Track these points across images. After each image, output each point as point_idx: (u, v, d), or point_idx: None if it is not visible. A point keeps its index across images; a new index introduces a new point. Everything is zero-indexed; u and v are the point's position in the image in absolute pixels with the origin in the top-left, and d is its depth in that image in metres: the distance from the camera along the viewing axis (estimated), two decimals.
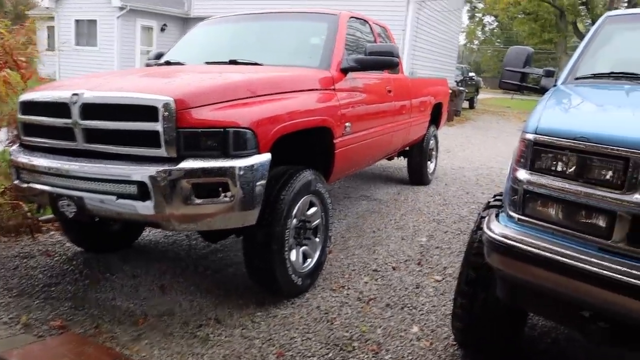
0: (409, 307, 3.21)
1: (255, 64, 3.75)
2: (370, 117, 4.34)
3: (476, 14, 38.08)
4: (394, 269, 3.80)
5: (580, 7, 19.62)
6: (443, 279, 3.68)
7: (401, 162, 7.06)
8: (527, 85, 3.31)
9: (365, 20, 4.78)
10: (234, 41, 4.47)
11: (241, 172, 2.63)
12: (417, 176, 6.58)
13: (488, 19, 40.19)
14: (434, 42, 15.60)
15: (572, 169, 1.86)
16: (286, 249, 3.01)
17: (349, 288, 3.42)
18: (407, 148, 6.21)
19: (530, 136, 1.96)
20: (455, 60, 19.02)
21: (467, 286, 2.41)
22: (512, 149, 7.74)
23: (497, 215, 2.20)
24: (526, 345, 2.80)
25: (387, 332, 2.88)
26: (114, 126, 2.71)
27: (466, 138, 12.25)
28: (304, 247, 3.28)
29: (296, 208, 3.09)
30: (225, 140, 2.65)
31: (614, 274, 1.75)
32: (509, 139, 12.49)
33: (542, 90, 3.16)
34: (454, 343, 2.78)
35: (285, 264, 3.02)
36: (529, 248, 1.92)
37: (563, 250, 1.85)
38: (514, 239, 1.96)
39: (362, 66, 3.88)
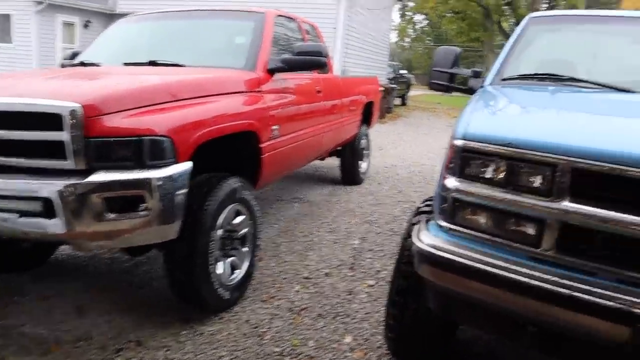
0: (341, 315, 3.12)
1: (177, 65, 3.53)
2: (300, 119, 4.22)
3: (407, 13, 38.90)
4: (326, 275, 3.70)
5: (504, 7, 20.46)
6: (376, 283, 3.62)
7: (334, 161, 7.00)
8: (456, 85, 3.30)
9: (293, 19, 4.66)
10: (155, 40, 4.22)
11: (158, 184, 2.43)
12: (350, 176, 6.53)
13: (418, 17, 41.20)
14: (366, 40, 15.70)
15: (501, 176, 1.81)
16: (211, 262, 2.83)
17: (280, 298, 3.29)
18: (339, 148, 6.15)
19: (459, 142, 1.90)
20: (387, 57, 19.28)
21: (398, 296, 2.34)
22: (443, 144, 7.91)
23: (427, 222, 2.14)
24: (460, 348, 2.78)
25: (319, 344, 2.78)
26: (16, 136, 2.44)
27: (398, 135, 12.41)
28: (231, 258, 3.11)
29: (221, 218, 2.92)
30: (140, 149, 2.44)
31: (543, 284, 1.72)
32: (440, 135, 12.77)
33: (470, 91, 3.15)
34: (388, 352, 2.71)
35: (210, 277, 2.84)
36: (459, 259, 1.86)
37: (493, 261, 1.81)
38: (443, 250, 1.90)
39: (290, 67, 3.75)
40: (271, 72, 3.71)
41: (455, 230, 1.93)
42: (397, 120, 16.07)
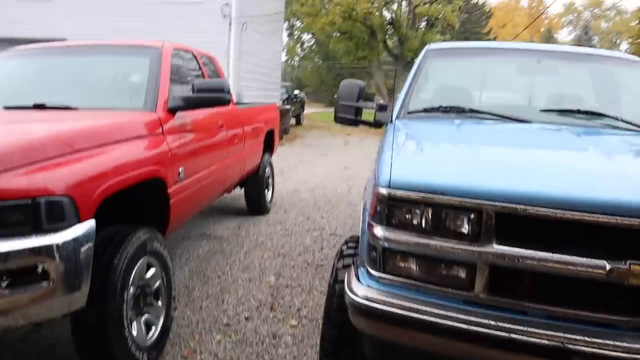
0: None
1: (68, 108, 3.24)
2: (204, 157, 4.06)
3: (294, 32, 39.60)
4: (246, 319, 3.56)
5: (387, 26, 21.53)
6: (299, 322, 3.54)
7: (237, 190, 6.84)
8: (362, 120, 3.35)
9: (190, 52, 4.49)
10: (40, 79, 3.85)
11: (60, 250, 2.18)
12: (256, 206, 6.42)
13: (306, 36, 42.11)
14: (259, 63, 15.72)
15: (429, 223, 1.83)
16: (125, 325, 2.60)
17: (201, 352, 3.09)
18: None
19: (383, 191, 1.90)
20: (280, 78, 19.43)
21: (331, 345, 2.28)
22: (342, 165, 8.11)
23: (356, 267, 2.12)
24: None
25: None
26: None
27: (297, 157, 12.47)
28: (145, 316, 2.88)
29: (132, 275, 2.70)
30: (36, 212, 2.17)
31: (480, 328, 1.74)
32: (337, 155, 13.03)
33: (376, 124, 3.21)
34: None
35: (126, 341, 2.60)
36: (395, 310, 1.85)
37: (429, 309, 1.81)
38: (378, 302, 1.88)
39: (191, 105, 3.60)
40: (172, 111, 3.53)
41: (386, 279, 1.92)
42: (295, 142, 16.17)
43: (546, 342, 1.69)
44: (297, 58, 49.89)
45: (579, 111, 2.85)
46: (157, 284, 3.00)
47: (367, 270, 2.00)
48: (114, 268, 2.56)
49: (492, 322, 1.74)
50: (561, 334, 1.69)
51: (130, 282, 2.67)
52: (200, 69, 4.55)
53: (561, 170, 1.95)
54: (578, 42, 44.44)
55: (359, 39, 21.86)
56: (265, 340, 3.26)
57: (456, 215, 1.79)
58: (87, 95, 3.48)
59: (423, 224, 1.84)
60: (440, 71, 3.32)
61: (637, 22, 36.24)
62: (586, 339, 1.67)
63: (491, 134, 2.58)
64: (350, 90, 3.30)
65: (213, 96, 3.55)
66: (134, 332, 2.70)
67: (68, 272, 2.22)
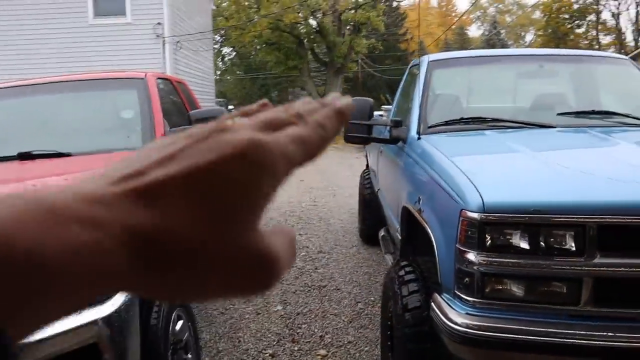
0: None
1: (60, 154, 2.93)
2: None
3: (214, 46, 39.08)
4: (272, 356, 3.38)
5: (315, 34, 21.68)
6: (328, 351, 3.40)
7: None
8: (377, 137, 3.28)
9: (167, 79, 4.24)
10: (19, 122, 3.45)
11: (108, 321, 1.95)
12: None
13: (226, 49, 41.63)
14: (195, 81, 15.30)
15: (530, 243, 1.78)
16: None
17: None
18: None
19: (475, 215, 1.83)
20: (214, 95, 19.05)
21: None
22: (296, 178, 7.94)
23: (440, 296, 2.04)
24: None
25: None
26: None
27: None
28: None
29: (170, 333, 2.47)
30: None
31: (593, 341, 1.71)
32: None
33: (393, 141, 3.15)
34: None
35: None
36: (502, 334, 1.78)
37: (537, 328, 1.76)
38: (482, 328, 1.81)
39: None
40: None
41: (486, 303, 1.85)
42: None
43: None
44: (218, 72, 49.28)
45: (593, 111, 2.93)
46: (186, 336, 2.77)
47: (457, 296, 1.92)
48: (154, 330, 2.32)
49: (606, 333, 1.71)
50: None
51: (170, 341, 2.44)
52: (179, 96, 4.30)
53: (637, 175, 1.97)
54: (487, 37, 46.97)
55: (288, 49, 21.86)
56: None
57: (558, 232, 1.75)
58: (77, 138, 3.17)
59: (522, 244, 1.78)
60: (448, 82, 3.32)
61: (542, 15, 38.77)
62: None
63: (536, 142, 2.59)
64: (360, 108, 3.21)
65: None
66: None
67: (117, 342, 1.99)
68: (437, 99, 3.19)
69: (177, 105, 4.07)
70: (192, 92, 5.01)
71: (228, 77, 48.48)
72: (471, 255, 1.84)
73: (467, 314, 1.86)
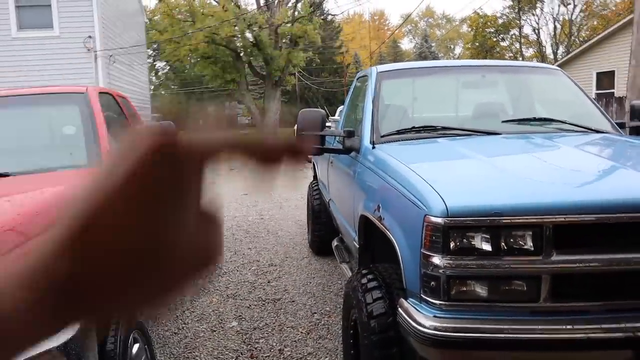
0: None
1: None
2: None
3: (147, 61, 38.24)
4: None
5: (252, 48, 21.61)
6: None
7: None
8: (330, 148, 3.31)
9: (110, 93, 4.10)
10: None
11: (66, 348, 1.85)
12: None
13: (160, 64, 40.80)
14: (130, 97, 14.89)
15: (492, 245, 1.85)
16: None
17: None
18: None
19: (439, 220, 1.88)
20: (150, 110, 18.56)
21: None
22: (238, 192, 7.89)
23: (390, 299, 2.08)
24: None
25: None
26: None
27: None
28: None
29: (128, 356, 2.37)
30: None
31: (554, 335, 1.80)
32: (225, 181, 12.68)
33: (347, 151, 3.20)
34: None
35: None
36: (470, 334, 1.84)
37: (501, 326, 1.83)
38: (450, 330, 1.86)
39: None
40: None
41: (451, 305, 1.90)
42: None
43: (618, 334, 1.79)
44: (152, 87, 48.25)
45: (534, 119, 3.10)
46: (143, 359, 2.67)
47: (424, 300, 1.96)
48: (112, 356, 2.22)
49: (564, 327, 1.81)
50: (630, 325, 1.80)
51: None
52: (121, 110, 4.17)
53: (588, 177, 2.10)
54: (419, 50, 48.59)
55: (225, 63, 21.66)
56: None
57: (517, 233, 1.84)
58: (16, 156, 3.01)
59: (485, 247, 1.85)
60: (397, 92, 3.41)
61: (470, 29, 40.53)
62: None
63: (487, 149, 2.70)
64: (312, 119, 3.24)
65: None
66: None
67: None
68: (387, 108, 3.27)
69: (120, 121, 3.94)
70: (134, 107, 4.87)
71: (162, 92, 47.46)
72: (436, 259, 1.89)
73: (434, 316, 1.91)
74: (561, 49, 36.31)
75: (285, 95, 30.01)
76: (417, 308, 1.98)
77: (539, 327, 1.81)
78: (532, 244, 1.83)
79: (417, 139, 3.02)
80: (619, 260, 1.83)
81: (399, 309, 2.07)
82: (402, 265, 2.12)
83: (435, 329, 1.87)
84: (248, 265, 5.65)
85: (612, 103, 14.75)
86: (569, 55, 20.60)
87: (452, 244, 1.87)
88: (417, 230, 1.98)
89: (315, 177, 6.14)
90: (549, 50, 37.71)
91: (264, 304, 4.46)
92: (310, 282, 4.99)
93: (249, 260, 5.86)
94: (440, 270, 1.88)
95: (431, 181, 2.08)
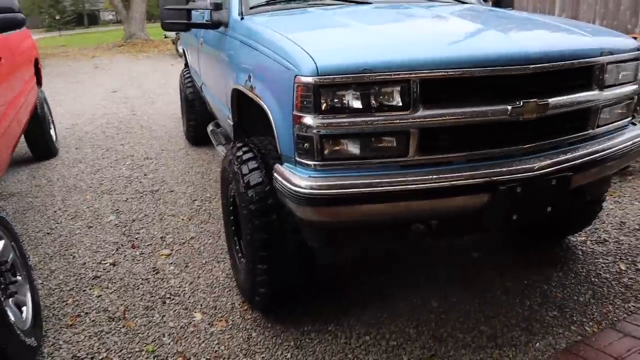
0: (168, 297, 2.82)
1: None
2: None
3: None
4: (113, 265, 3.21)
5: None
6: (172, 250, 3.35)
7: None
8: (198, 22, 3.08)
9: None
10: None
11: None
12: (43, 149, 5.52)
13: None
14: None
15: (363, 102, 1.86)
16: (3, 312, 2.13)
17: (86, 313, 2.73)
18: None
19: (309, 79, 1.84)
20: None
21: (265, 250, 2.25)
22: (107, 89, 7.52)
23: (282, 166, 2.09)
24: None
25: (176, 336, 2.49)
26: None
27: (51, 90, 10.80)
28: (14, 297, 2.39)
29: None
30: None
31: (422, 185, 1.91)
32: (96, 80, 11.72)
33: (215, 25, 3.00)
34: (245, 309, 2.63)
35: (12, 331, 2.15)
36: (344, 190, 1.89)
37: (374, 180, 1.90)
38: (325, 187, 1.89)
39: None
40: None
41: (325, 165, 1.93)
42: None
43: (478, 180, 1.94)
44: None
45: None
46: (11, 256, 2.48)
47: (298, 162, 1.97)
48: None
49: (431, 177, 1.92)
50: (487, 171, 1.96)
51: None
52: None
53: (453, 37, 2.16)
54: None
55: None
56: (150, 278, 3.03)
57: (387, 90, 1.86)
58: None
59: (355, 104, 1.86)
60: None
61: None
62: (504, 169, 1.98)
63: (359, 16, 2.64)
64: None
65: (5, 17, 2.82)
66: (12, 318, 2.24)
67: None
68: None
69: None
70: None
71: None
72: (308, 120, 1.87)
73: (310, 177, 1.92)
74: None
75: None
76: (293, 171, 1.99)
77: (409, 178, 1.91)
78: (400, 100, 1.87)
79: (287, 9, 2.89)
80: (478, 112, 1.93)
81: (275, 174, 2.06)
82: (275, 130, 2.09)
83: (311, 188, 1.89)
84: (122, 161, 5.37)
85: None
86: None
87: (323, 103, 1.85)
88: (288, 93, 1.93)
89: (186, 64, 5.80)
90: None
91: (141, 196, 4.31)
92: (189, 172, 4.88)
93: (122, 155, 5.56)
94: (314, 131, 1.87)
95: (300, 43, 2.00)
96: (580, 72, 2.18)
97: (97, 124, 7.20)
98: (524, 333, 2.43)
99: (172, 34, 15.94)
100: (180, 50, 15.55)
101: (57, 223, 3.91)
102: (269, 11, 2.85)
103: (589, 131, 2.28)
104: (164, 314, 2.67)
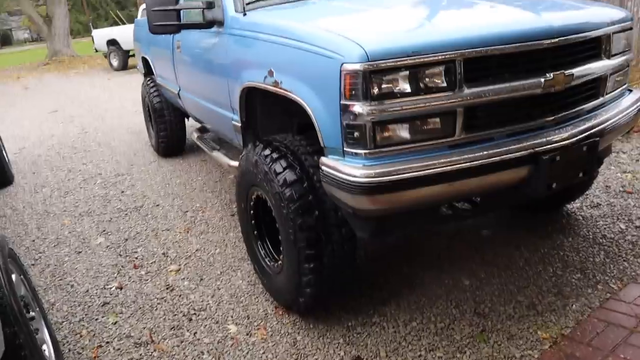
0: (194, 313, 2.69)
1: None
2: None
3: None
4: (120, 288, 3.03)
5: None
6: (180, 264, 3.20)
7: None
8: (190, 23, 2.95)
9: None
10: None
11: None
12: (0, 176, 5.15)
13: None
14: None
15: (411, 85, 1.84)
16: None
17: (107, 342, 2.55)
18: None
19: (357, 66, 1.79)
20: None
21: (311, 249, 2.18)
22: (46, 110, 7.20)
23: (328, 158, 2.03)
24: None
25: (216, 352, 2.37)
26: None
27: None
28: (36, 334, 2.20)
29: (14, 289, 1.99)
30: None
31: (466, 163, 1.92)
32: (31, 102, 11.06)
33: (209, 24, 2.90)
34: (282, 315, 2.56)
35: None
36: (400, 176, 1.86)
37: (428, 162, 1.89)
38: (382, 174, 1.86)
39: None
40: None
41: (377, 152, 1.89)
42: None
43: (523, 152, 1.97)
44: None
45: None
46: (23, 291, 2.29)
47: (348, 153, 1.93)
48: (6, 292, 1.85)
49: (482, 153, 1.94)
50: (529, 143, 2.00)
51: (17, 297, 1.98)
52: None
53: (484, 15, 2.19)
54: None
55: None
56: (166, 296, 2.88)
57: (434, 70, 1.85)
58: None
59: (405, 88, 1.84)
60: None
61: None
62: (544, 139, 2.03)
63: (369, 3, 2.61)
64: None
65: None
66: (46, 354, 2.07)
67: None
68: None
69: None
70: None
71: None
72: (358, 107, 1.83)
73: (363, 165, 1.88)
74: None
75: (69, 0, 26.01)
76: (342, 162, 1.94)
77: (461, 157, 1.91)
78: (445, 80, 1.87)
79: (284, 2, 2.82)
80: (515, 87, 1.96)
81: (322, 167, 2.01)
82: (316, 123, 2.03)
83: (367, 176, 1.85)
84: (91, 180, 5.08)
85: None
86: None
87: (373, 89, 1.81)
88: (332, 82, 1.88)
89: (146, 74, 5.56)
90: None
91: (126, 214, 4.10)
92: (169, 184, 4.68)
93: (89, 175, 5.27)
94: (366, 118, 1.83)
95: (338, 31, 1.95)
96: (592, 43, 2.26)
97: (47, 146, 6.79)
98: (558, 298, 2.50)
99: (105, 48, 15.32)
100: (116, 65, 15.04)
101: (40, 252, 3.64)
102: (267, 6, 2.78)
103: (600, 99, 2.37)
104: (195, 330, 2.54)
